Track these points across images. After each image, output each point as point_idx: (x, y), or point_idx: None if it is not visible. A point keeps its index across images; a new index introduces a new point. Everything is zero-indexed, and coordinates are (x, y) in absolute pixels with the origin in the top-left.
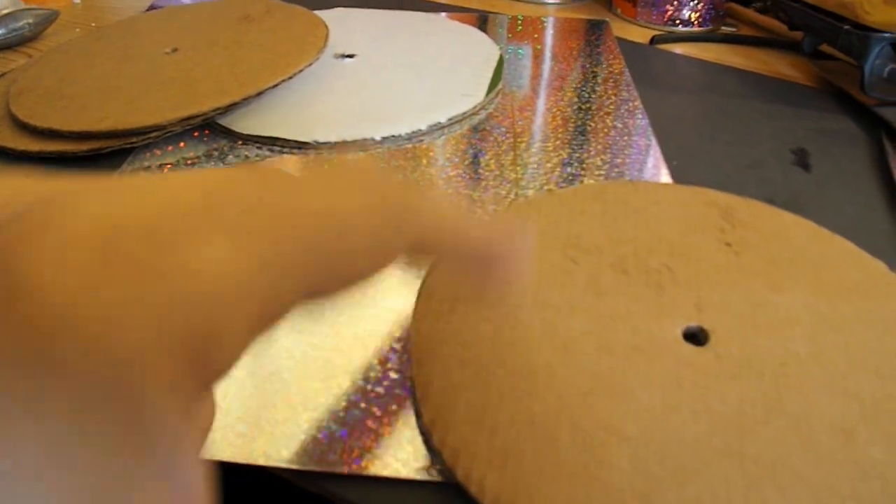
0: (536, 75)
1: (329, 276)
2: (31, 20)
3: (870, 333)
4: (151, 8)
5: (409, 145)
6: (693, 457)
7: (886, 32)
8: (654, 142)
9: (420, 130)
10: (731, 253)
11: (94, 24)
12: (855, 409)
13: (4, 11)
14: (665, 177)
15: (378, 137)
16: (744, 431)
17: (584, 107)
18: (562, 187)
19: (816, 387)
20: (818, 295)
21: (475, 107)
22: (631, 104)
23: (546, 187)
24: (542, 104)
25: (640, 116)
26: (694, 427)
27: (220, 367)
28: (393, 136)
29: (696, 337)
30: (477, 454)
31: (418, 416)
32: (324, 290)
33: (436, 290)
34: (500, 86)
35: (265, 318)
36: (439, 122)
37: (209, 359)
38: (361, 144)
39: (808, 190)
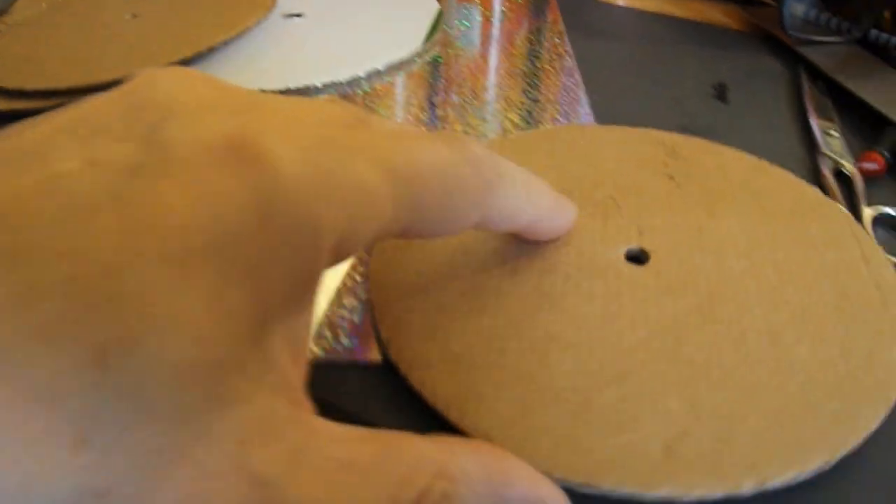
0: (472, 27)
1: (423, 219)
2: None
3: (800, 250)
4: None
5: (350, 91)
6: (631, 359)
7: None
8: (578, 79)
9: (359, 77)
10: (673, 185)
11: None
12: (783, 316)
13: None
14: (586, 106)
15: (319, 84)
16: (679, 337)
17: (515, 51)
18: (491, 121)
19: (748, 298)
20: (754, 219)
21: (411, 54)
22: (561, 49)
23: (478, 124)
24: (476, 51)
25: (567, 60)
26: (632, 334)
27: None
28: (333, 82)
29: (637, 258)
30: (430, 364)
31: (377, 333)
32: (411, 231)
33: None
34: (436, 36)
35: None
36: (377, 69)
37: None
38: (304, 91)
39: (723, 119)
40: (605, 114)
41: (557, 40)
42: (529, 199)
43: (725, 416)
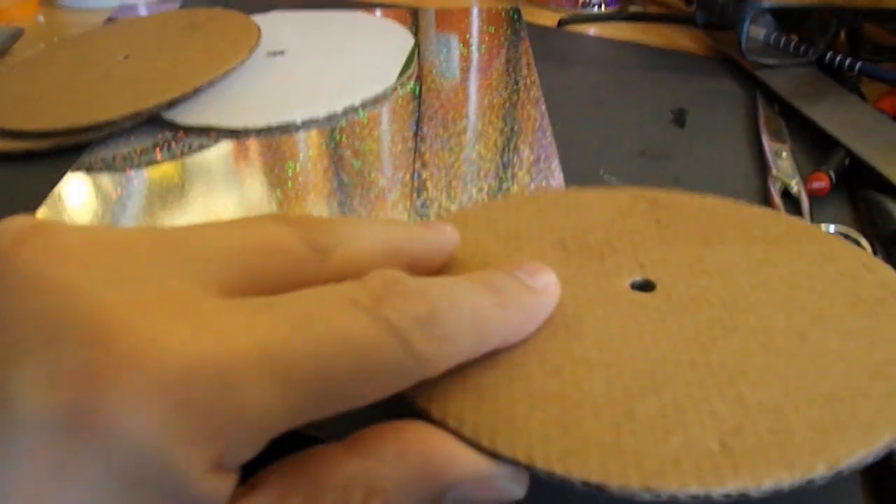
0: (465, 66)
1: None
2: None
3: (802, 265)
4: (108, 21)
5: (328, 128)
6: (662, 370)
7: (759, 2)
8: (543, 110)
9: (336, 113)
10: (662, 226)
11: (56, 40)
12: (804, 319)
13: None
14: (549, 138)
15: (299, 121)
16: (704, 347)
17: (484, 83)
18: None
19: (764, 307)
20: (749, 244)
21: (385, 90)
22: (528, 80)
23: (449, 155)
24: (447, 84)
25: (534, 91)
26: (656, 348)
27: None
28: (312, 119)
29: (643, 287)
30: (451, 395)
31: None
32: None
33: None
34: (411, 70)
35: None
36: (353, 105)
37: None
38: (285, 128)
39: (679, 143)
40: (567, 143)
41: (526, 71)
42: (485, 342)
43: (776, 408)
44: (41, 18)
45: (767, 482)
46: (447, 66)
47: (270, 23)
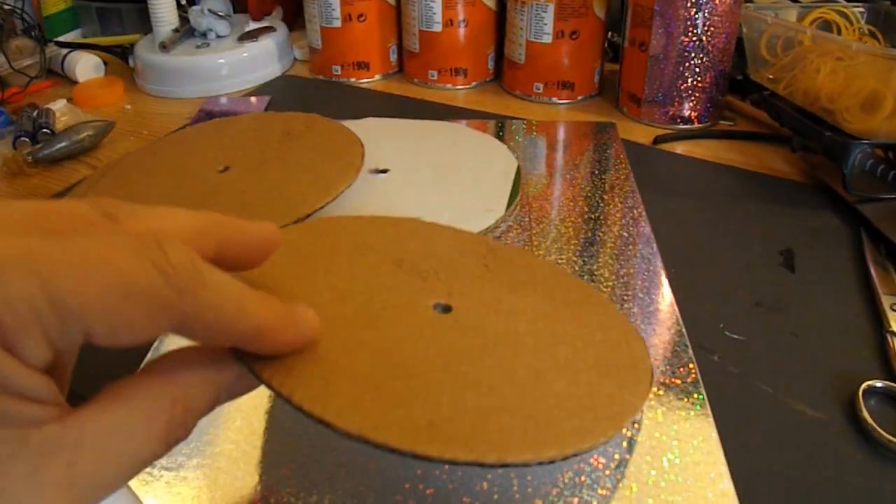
0: (550, 184)
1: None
2: (91, 132)
3: (576, 327)
4: (200, 112)
5: None
6: (420, 366)
7: (864, 140)
8: (655, 249)
9: None
10: (485, 270)
11: (145, 132)
12: (549, 364)
13: (64, 119)
14: (665, 284)
15: None
16: (462, 361)
17: (593, 216)
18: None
19: (524, 349)
20: (544, 300)
21: (497, 221)
22: (636, 211)
23: None
24: (555, 214)
25: (643, 224)
26: (425, 351)
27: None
28: None
29: (444, 310)
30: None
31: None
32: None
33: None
34: (518, 198)
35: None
36: None
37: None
38: None
39: (792, 291)
40: (683, 292)
41: (632, 202)
42: (242, 311)
43: (484, 414)
44: (128, 107)
45: (447, 455)
46: (547, 191)
47: (366, 132)
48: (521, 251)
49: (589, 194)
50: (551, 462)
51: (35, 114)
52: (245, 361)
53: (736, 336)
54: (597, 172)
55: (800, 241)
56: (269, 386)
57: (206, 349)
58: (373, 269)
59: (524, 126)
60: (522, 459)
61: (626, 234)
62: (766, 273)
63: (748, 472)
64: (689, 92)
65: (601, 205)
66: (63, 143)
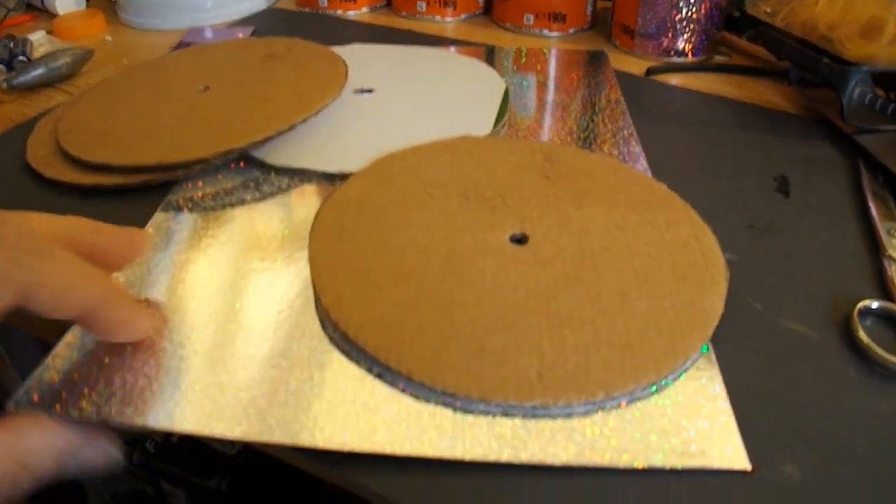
0: (541, 106)
1: None
2: (68, 59)
3: (647, 232)
4: (180, 45)
5: None
6: (513, 314)
7: (863, 65)
8: (646, 166)
9: None
10: (548, 184)
11: (125, 62)
12: (630, 281)
13: (42, 49)
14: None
15: None
16: (550, 297)
17: (583, 135)
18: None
19: (605, 267)
20: (612, 209)
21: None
22: (626, 132)
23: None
24: (546, 133)
25: (633, 145)
26: (514, 296)
27: None
28: None
29: (519, 241)
30: (363, 323)
31: (318, 302)
32: None
33: (324, 223)
34: (505, 118)
35: None
36: None
37: None
38: None
39: (786, 215)
40: None
41: (622, 122)
42: (78, 283)
43: (584, 351)
44: (108, 38)
45: (561, 401)
46: (537, 113)
47: (351, 56)
48: (575, 151)
49: (578, 115)
50: (652, 386)
51: (11, 44)
52: (349, 332)
53: (727, 255)
54: (587, 96)
55: (795, 169)
56: (379, 362)
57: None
58: (443, 209)
59: (513, 52)
60: (628, 391)
61: (615, 153)
62: (760, 197)
63: (741, 390)
64: (684, 24)
65: (591, 125)
66: (40, 70)
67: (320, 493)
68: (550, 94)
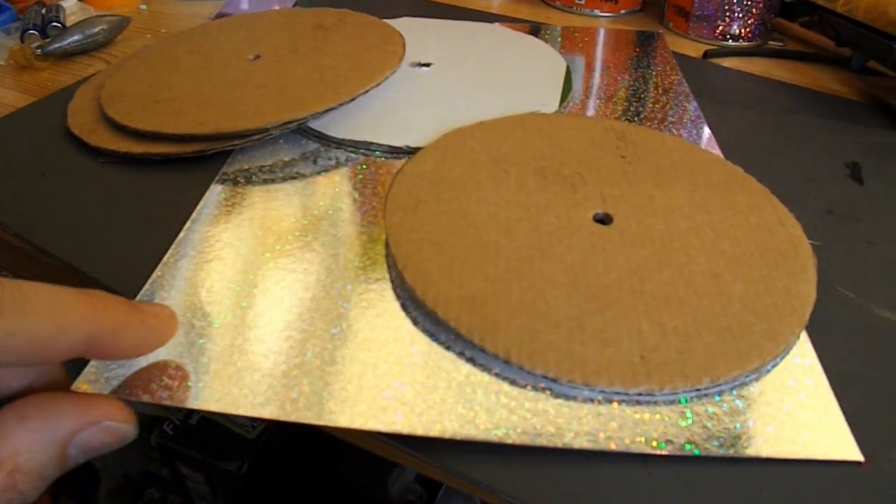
0: (600, 85)
1: None
2: (105, 26)
3: (730, 214)
4: (220, 16)
5: None
6: (608, 294)
7: None
8: (719, 152)
9: None
10: (625, 163)
11: (163, 31)
12: (721, 262)
13: (74, 17)
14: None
15: None
16: (642, 278)
17: (650, 116)
18: None
19: (693, 248)
20: (693, 190)
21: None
22: (693, 114)
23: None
24: (610, 114)
25: (703, 127)
26: (607, 276)
27: None
28: None
29: (603, 220)
30: (452, 301)
31: (401, 280)
32: None
33: (399, 197)
34: (570, 96)
35: None
36: None
37: None
38: None
39: (863, 202)
40: None
41: (687, 106)
42: (64, 319)
43: (685, 334)
44: (143, 7)
45: (667, 388)
46: (596, 93)
47: (404, 29)
48: (647, 131)
49: (640, 96)
50: (755, 372)
51: (44, 10)
52: (439, 312)
53: (812, 241)
54: (645, 77)
55: (866, 156)
56: (473, 344)
57: (45, 402)
58: (521, 186)
59: (560, 31)
60: (733, 376)
61: (685, 135)
62: (834, 183)
63: (841, 378)
64: (742, 7)
65: (656, 107)
66: (76, 37)
67: (339, 477)
68: (605, 74)
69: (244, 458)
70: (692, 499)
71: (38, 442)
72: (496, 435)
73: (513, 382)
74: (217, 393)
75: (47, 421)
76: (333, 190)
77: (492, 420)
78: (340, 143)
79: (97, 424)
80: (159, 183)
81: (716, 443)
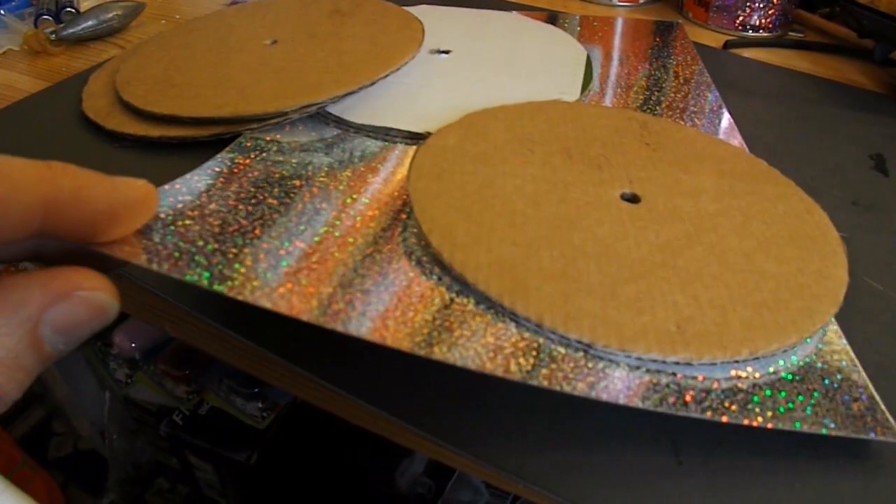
0: (619, 74)
1: None
2: (119, 12)
3: (757, 200)
4: (234, 2)
5: None
6: (640, 266)
7: None
8: (742, 144)
9: None
10: (650, 150)
11: (178, 17)
12: (752, 244)
13: (88, 3)
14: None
15: None
16: (674, 253)
17: (672, 105)
18: None
19: (723, 229)
20: (718, 177)
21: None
22: (715, 105)
23: None
24: (631, 102)
25: (725, 118)
26: (637, 249)
27: None
28: None
29: (631, 200)
30: (480, 265)
31: (427, 244)
32: None
33: (423, 167)
34: (591, 85)
35: None
36: None
37: None
38: None
39: (888, 194)
40: None
41: (710, 97)
42: (14, 182)
43: (720, 307)
44: None
45: (706, 357)
46: (615, 81)
47: (421, 16)
48: (669, 122)
49: (661, 85)
50: (793, 347)
51: None
52: (467, 275)
53: (839, 233)
54: (667, 67)
55: (890, 147)
56: (504, 309)
57: (3, 280)
58: (546, 162)
59: (578, 20)
60: (771, 350)
61: (707, 125)
62: (859, 175)
63: (868, 365)
64: None
65: (677, 97)
66: (90, 22)
67: (350, 468)
68: (624, 64)
69: (254, 448)
70: (721, 490)
71: (2, 325)
72: (531, 375)
73: None
74: None
75: (7, 301)
76: (348, 174)
77: (526, 367)
78: (359, 128)
79: (68, 297)
80: (176, 167)
81: (765, 417)
